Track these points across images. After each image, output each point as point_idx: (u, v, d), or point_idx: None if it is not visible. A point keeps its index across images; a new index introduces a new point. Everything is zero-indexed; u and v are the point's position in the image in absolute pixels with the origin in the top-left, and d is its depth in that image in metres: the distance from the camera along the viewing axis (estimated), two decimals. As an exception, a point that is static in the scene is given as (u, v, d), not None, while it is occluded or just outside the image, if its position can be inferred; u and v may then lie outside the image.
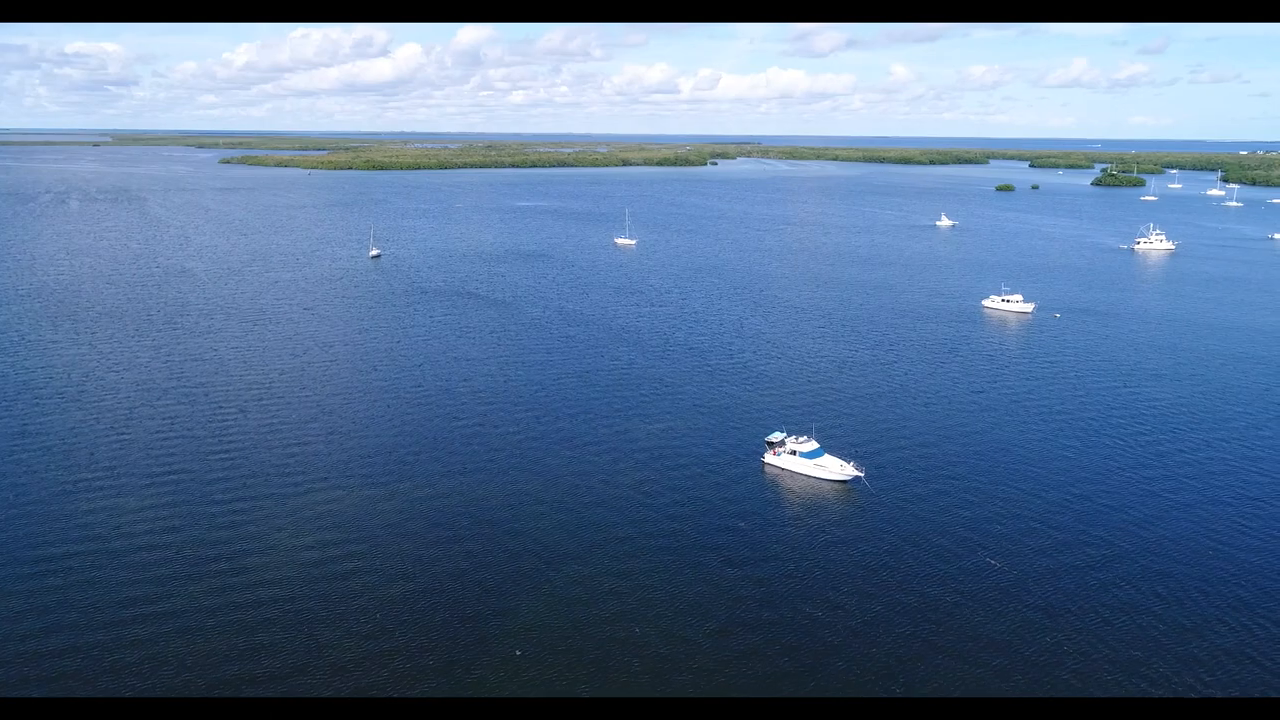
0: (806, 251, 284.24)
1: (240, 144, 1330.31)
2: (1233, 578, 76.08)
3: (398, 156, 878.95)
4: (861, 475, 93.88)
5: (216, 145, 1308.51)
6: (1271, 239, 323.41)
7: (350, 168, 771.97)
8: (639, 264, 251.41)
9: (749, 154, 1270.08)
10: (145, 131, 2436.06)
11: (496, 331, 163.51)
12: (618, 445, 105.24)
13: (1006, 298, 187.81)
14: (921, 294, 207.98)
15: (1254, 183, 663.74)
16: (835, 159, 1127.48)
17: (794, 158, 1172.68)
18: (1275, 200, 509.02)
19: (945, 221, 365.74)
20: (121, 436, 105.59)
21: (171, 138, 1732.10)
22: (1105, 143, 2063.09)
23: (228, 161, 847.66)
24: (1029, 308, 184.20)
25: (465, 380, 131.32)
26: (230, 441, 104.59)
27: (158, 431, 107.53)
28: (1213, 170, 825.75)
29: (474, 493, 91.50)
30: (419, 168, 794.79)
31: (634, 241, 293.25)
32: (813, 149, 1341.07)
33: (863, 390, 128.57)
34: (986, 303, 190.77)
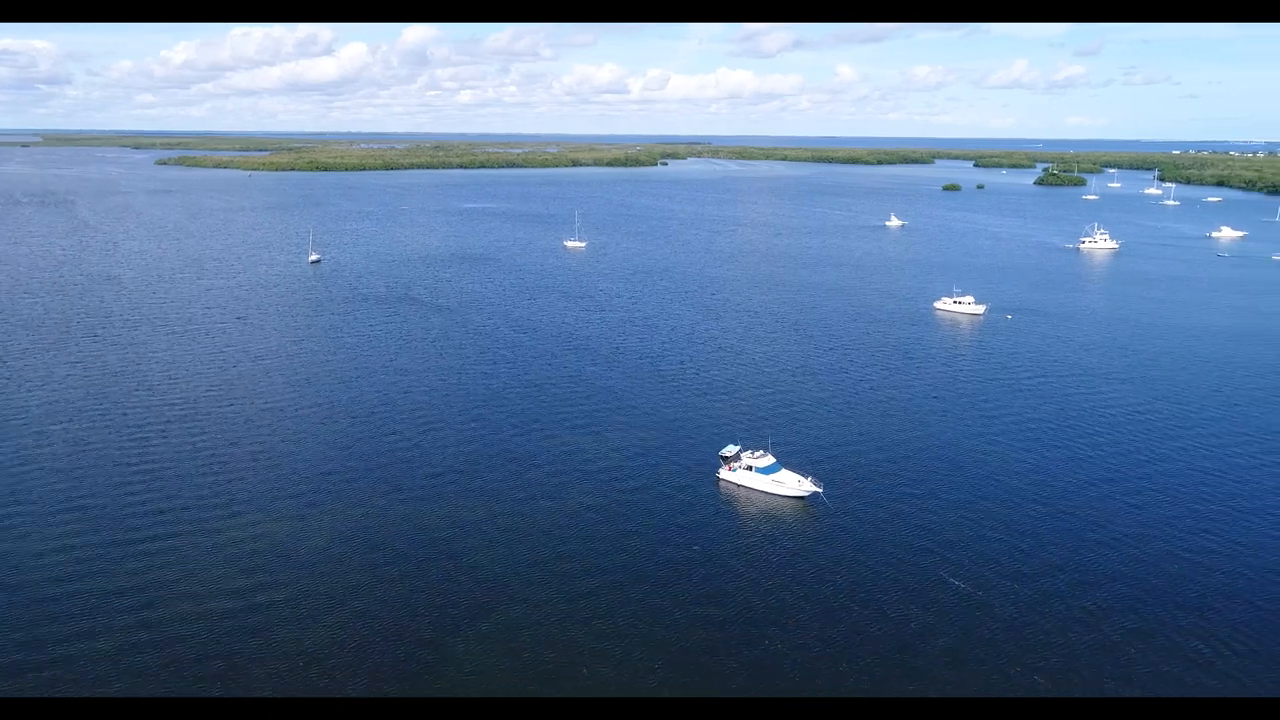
0: (758, 253, 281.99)
1: (179, 144, 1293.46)
2: (1199, 584, 73.96)
3: (342, 157, 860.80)
4: (820, 491, 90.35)
5: (153, 146, 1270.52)
6: (1209, 238, 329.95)
7: (293, 169, 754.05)
8: (589, 267, 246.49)
9: (699, 154, 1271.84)
10: (79, 132, 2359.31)
11: (439, 341, 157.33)
12: (566, 462, 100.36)
13: (958, 299, 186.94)
14: (874, 296, 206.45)
15: (1188, 181, 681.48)
16: (784, 159, 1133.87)
17: (744, 158, 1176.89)
18: (1210, 199, 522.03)
19: (895, 222, 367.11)
20: (24, 466, 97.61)
21: (107, 138, 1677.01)
22: (1046, 142, 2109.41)
23: (164, 163, 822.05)
24: (981, 309, 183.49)
25: (405, 394, 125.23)
26: (149, 467, 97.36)
27: (68, 457, 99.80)
28: (1149, 169, 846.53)
29: (412, 518, 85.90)
30: (364, 168, 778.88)
31: (584, 244, 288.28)
32: (762, 149, 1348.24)
33: (818, 398, 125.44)
34: (938, 304, 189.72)
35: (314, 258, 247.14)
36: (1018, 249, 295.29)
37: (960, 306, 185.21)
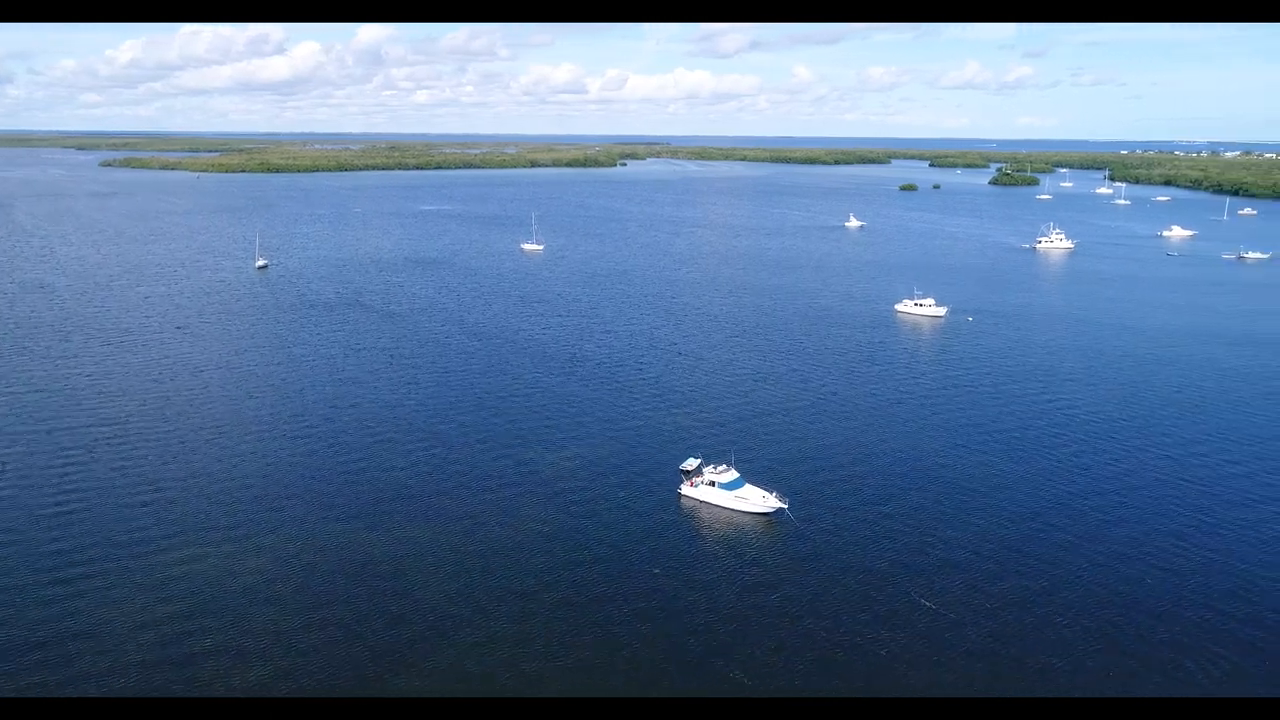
0: (718, 255, 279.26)
1: (126, 145, 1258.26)
2: (1173, 592, 71.78)
3: (295, 158, 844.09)
4: (785, 507, 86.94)
5: (98, 147, 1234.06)
6: (1160, 237, 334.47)
7: (244, 170, 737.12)
8: (546, 271, 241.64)
9: (658, 154, 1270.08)
10: (22, 132, 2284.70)
11: (389, 349, 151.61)
12: (520, 480, 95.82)
13: (919, 301, 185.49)
14: (834, 298, 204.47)
15: (1137, 181, 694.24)
16: (743, 159, 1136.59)
17: (703, 158, 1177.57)
18: (1159, 198, 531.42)
19: (854, 222, 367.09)
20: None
21: (50, 138, 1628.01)
22: (999, 142, 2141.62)
23: (109, 164, 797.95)
24: (942, 311, 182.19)
25: (352, 407, 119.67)
26: (71, 492, 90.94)
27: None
28: (1098, 169, 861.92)
29: (353, 546, 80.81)
30: (317, 170, 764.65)
31: (541, 247, 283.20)
32: (721, 149, 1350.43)
33: (781, 406, 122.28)
34: (899, 307, 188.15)
35: (261, 263, 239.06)
36: (976, 249, 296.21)
37: (921, 309, 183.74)
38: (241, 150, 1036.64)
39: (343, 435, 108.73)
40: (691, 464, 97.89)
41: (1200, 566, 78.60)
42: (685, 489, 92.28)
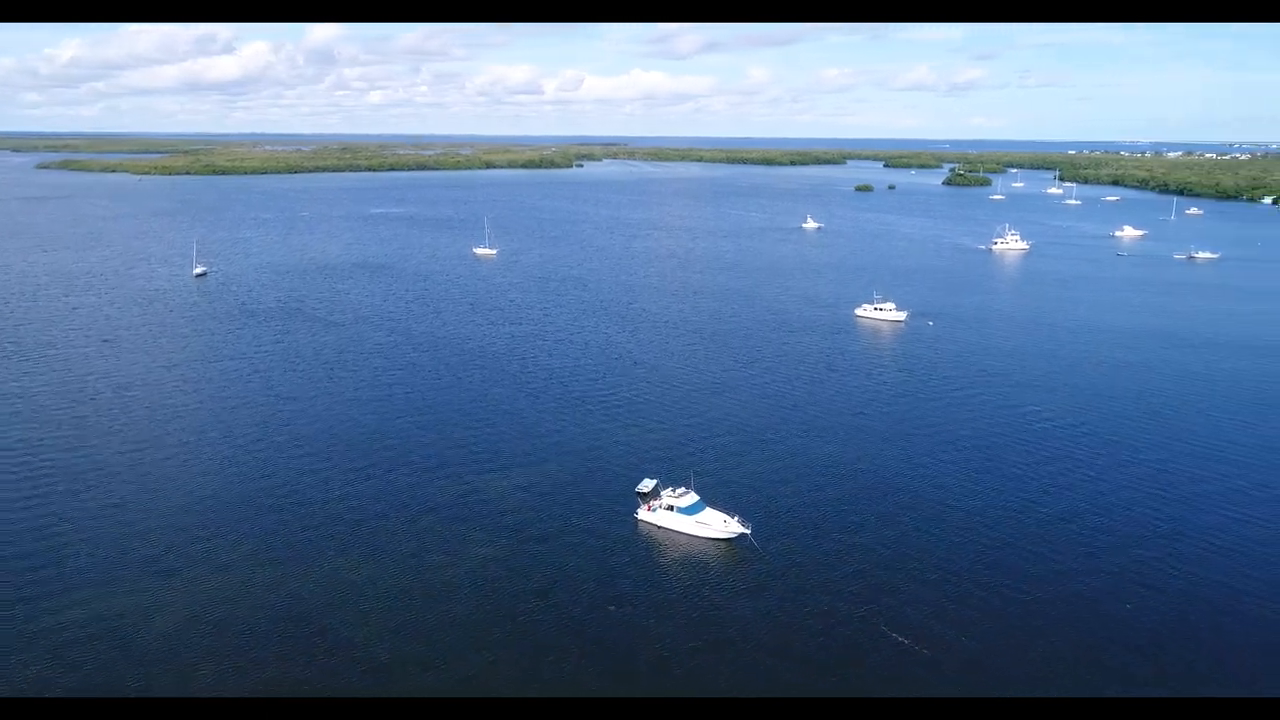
0: (675, 258, 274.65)
1: (66, 146, 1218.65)
2: (1152, 622, 68.20)
3: (242, 160, 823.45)
4: (747, 532, 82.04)
5: (36, 149, 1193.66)
6: (1113, 237, 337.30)
7: (189, 172, 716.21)
8: (499, 277, 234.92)
9: (615, 155, 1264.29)
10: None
11: (329, 363, 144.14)
12: (465, 507, 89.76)
13: (879, 306, 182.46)
14: (794, 302, 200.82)
15: (1086, 181, 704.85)
16: (700, 160, 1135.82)
17: (660, 159, 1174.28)
18: (1108, 198, 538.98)
19: (811, 224, 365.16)
20: None
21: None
22: (951, 143, 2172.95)
23: (46, 166, 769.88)
24: (902, 316, 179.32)
25: (285, 426, 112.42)
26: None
27: None
28: (1049, 169, 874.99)
29: (282, 581, 74.15)
30: (265, 172, 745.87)
31: (494, 251, 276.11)
32: (678, 150, 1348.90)
33: (740, 419, 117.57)
34: (859, 311, 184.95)
35: (199, 270, 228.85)
36: (932, 251, 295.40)
37: (881, 313, 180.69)
38: (187, 152, 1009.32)
39: (274, 459, 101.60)
40: (647, 485, 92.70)
41: (1186, 581, 75.33)
42: (642, 514, 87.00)
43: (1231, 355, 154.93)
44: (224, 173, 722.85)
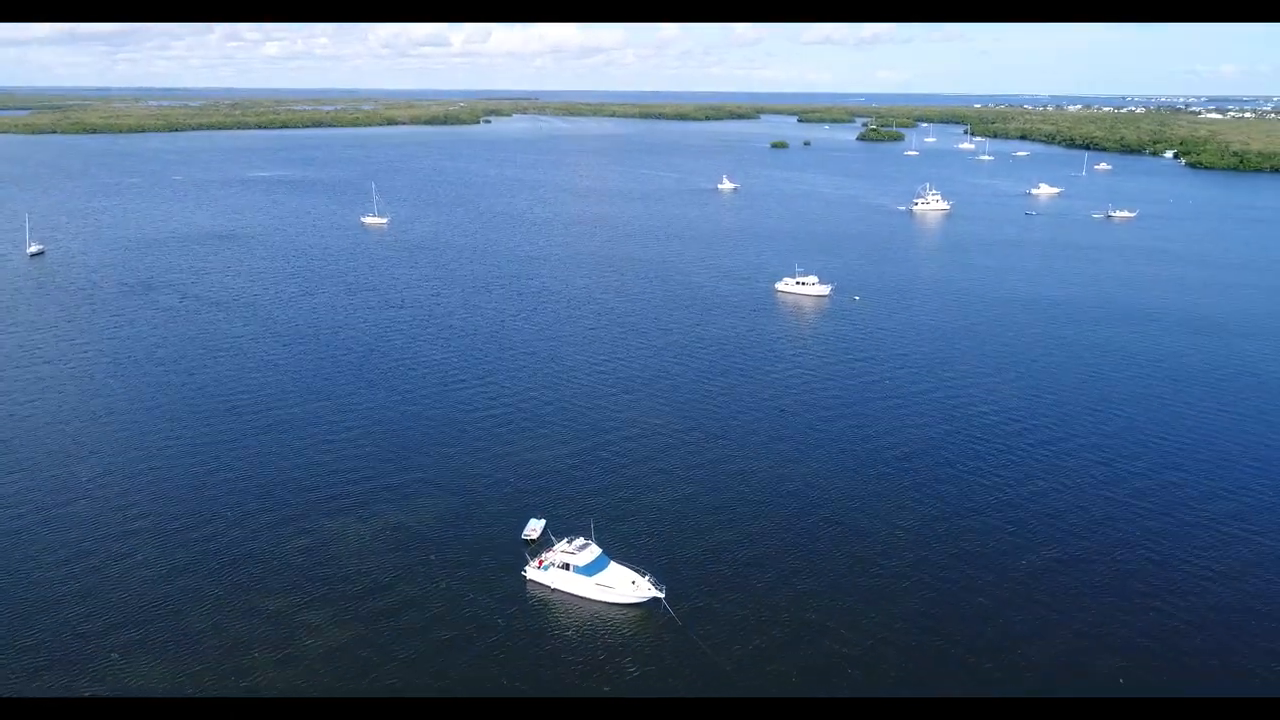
0: (581, 224, 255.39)
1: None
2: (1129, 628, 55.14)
3: (118, 117, 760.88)
4: (661, 595, 65.95)
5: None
6: (1029, 195, 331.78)
7: (55, 131, 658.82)
8: (387, 250, 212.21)
9: (525, 110, 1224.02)
10: None
11: (169, 363, 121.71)
12: (298, 570, 71.08)
13: (801, 280, 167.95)
14: (708, 275, 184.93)
15: (995, 135, 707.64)
16: (612, 115, 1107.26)
17: (571, 114, 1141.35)
18: (1019, 153, 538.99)
19: (727, 185, 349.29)
20: None
21: None
22: (865, 96, 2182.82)
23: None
24: (825, 290, 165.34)
25: (92, 455, 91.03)
26: None
27: None
28: (958, 124, 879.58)
29: (51, 673, 54.59)
30: (143, 130, 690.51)
31: (385, 220, 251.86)
32: (590, 104, 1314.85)
33: (647, 430, 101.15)
34: (780, 286, 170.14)
35: (34, 249, 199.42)
36: (853, 213, 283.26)
37: (804, 288, 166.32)
38: (59, 108, 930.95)
39: (61, 508, 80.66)
40: (535, 530, 75.76)
41: (1163, 603, 62.57)
42: (532, 571, 70.03)
43: (1169, 331, 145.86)
44: (96, 131, 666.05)
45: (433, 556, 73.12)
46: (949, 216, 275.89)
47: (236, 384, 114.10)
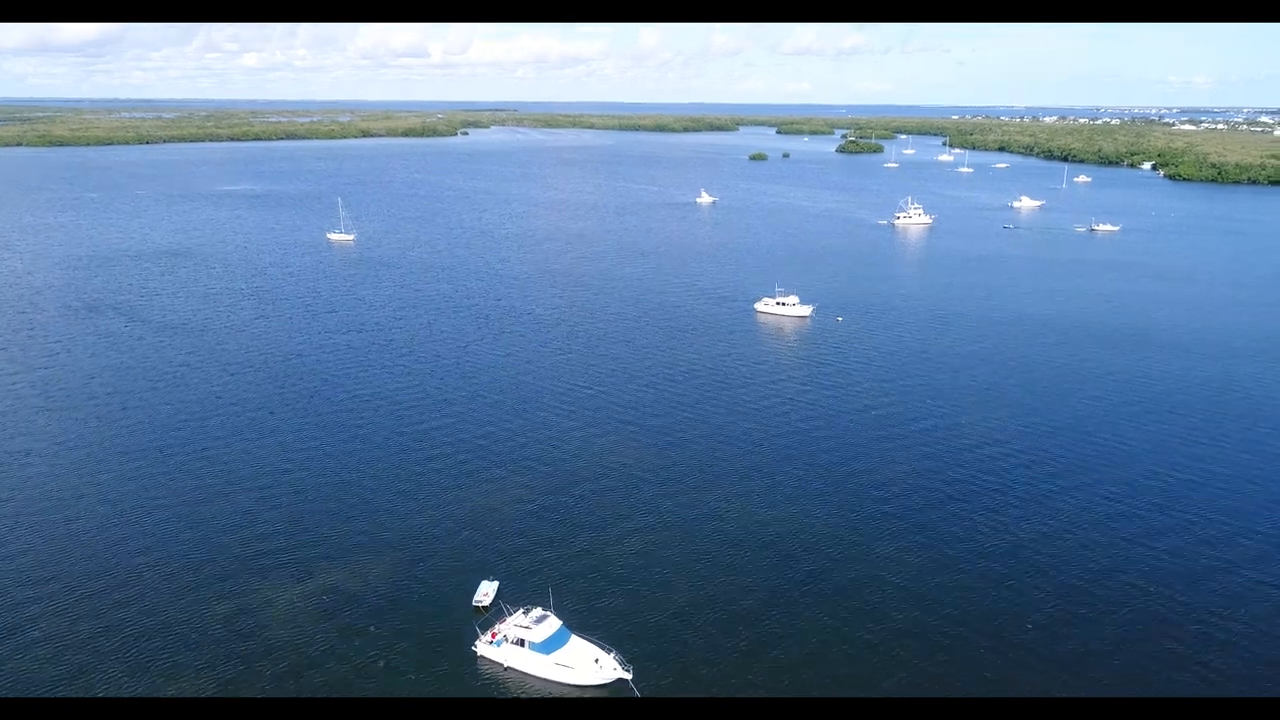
0: (555, 241, 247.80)
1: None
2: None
3: (86, 129, 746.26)
4: (628, 677, 58.39)
5: None
6: (1011, 208, 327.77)
7: (20, 144, 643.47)
8: (352, 269, 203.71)
9: (503, 122, 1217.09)
10: None
11: (101, 397, 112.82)
12: (223, 649, 62.84)
13: (781, 300, 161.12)
14: (686, 295, 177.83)
15: (974, 147, 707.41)
16: (591, 126, 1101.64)
17: (550, 125, 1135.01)
18: (999, 165, 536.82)
19: (705, 198, 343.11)
20: None
21: None
22: (843, 108, 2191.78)
23: None
24: (807, 311, 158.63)
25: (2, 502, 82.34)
26: None
27: None
28: (936, 135, 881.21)
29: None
30: (112, 143, 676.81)
31: (351, 237, 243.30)
32: (569, 116, 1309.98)
33: (611, 467, 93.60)
34: (760, 306, 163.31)
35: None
36: (833, 227, 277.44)
37: (784, 308, 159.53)
38: (26, 120, 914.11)
39: (-36, 570, 72.03)
40: (487, 595, 67.97)
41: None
42: (483, 646, 62.17)
43: (1162, 356, 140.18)
44: (62, 144, 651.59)
45: (372, 627, 65.22)
46: (931, 231, 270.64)
47: (172, 421, 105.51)
